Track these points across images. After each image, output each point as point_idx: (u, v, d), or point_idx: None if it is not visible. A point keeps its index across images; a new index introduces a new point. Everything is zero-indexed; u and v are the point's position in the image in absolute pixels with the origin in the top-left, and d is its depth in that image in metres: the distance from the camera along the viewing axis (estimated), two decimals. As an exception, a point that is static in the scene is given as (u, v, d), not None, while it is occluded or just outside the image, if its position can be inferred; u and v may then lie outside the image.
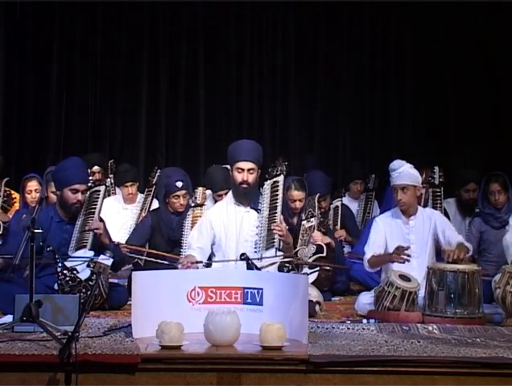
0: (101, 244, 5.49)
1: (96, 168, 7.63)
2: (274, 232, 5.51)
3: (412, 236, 5.53)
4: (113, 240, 5.81)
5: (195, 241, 5.74)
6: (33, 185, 7.14)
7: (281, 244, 5.59)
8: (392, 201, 6.28)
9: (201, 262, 5.62)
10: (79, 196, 5.43)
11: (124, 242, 6.53)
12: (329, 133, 9.52)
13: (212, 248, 5.77)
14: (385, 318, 5.00)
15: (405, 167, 5.50)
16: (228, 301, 4.58)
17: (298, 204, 6.40)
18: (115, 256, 5.37)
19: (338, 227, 7.31)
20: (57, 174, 5.63)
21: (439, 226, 5.51)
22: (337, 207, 7.42)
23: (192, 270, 5.42)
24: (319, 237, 6.14)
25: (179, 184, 6.40)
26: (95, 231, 5.44)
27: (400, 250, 5.21)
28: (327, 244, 6.16)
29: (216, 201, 6.51)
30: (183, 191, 6.42)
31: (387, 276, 5.17)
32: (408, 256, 5.21)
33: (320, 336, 4.47)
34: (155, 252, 6.27)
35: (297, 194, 6.41)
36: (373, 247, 5.51)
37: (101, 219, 5.59)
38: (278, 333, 4.11)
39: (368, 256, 5.47)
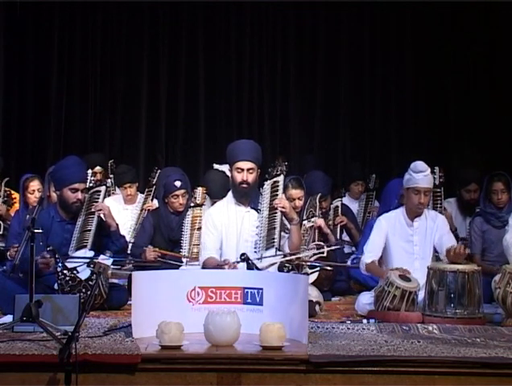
0: (108, 227, 5.48)
1: (98, 168, 7.64)
2: (277, 207, 5.49)
3: (416, 237, 5.51)
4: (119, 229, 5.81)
5: (209, 243, 5.63)
6: (35, 185, 7.14)
7: (281, 241, 5.56)
8: (390, 201, 6.28)
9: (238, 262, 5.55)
10: (79, 195, 5.43)
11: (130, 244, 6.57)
12: (329, 133, 9.53)
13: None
14: (385, 318, 5.00)
15: (429, 170, 5.49)
16: (228, 301, 4.58)
17: (297, 203, 6.41)
18: (120, 246, 5.38)
19: (340, 214, 7.28)
20: (56, 173, 5.63)
21: (439, 229, 5.50)
22: (337, 207, 7.41)
23: (193, 270, 5.42)
24: (321, 223, 6.15)
25: (178, 184, 6.40)
26: (99, 212, 5.44)
27: (400, 271, 5.21)
28: (326, 236, 6.16)
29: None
30: (182, 191, 6.42)
31: (387, 276, 5.17)
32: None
33: (320, 336, 4.47)
34: (175, 254, 6.22)
35: (295, 192, 6.41)
36: (372, 248, 5.48)
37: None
38: (278, 333, 4.11)
39: (367, 260, 5.43)
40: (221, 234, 5.65)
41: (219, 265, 5.40)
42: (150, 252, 6.16)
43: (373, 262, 5.42)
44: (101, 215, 5.47)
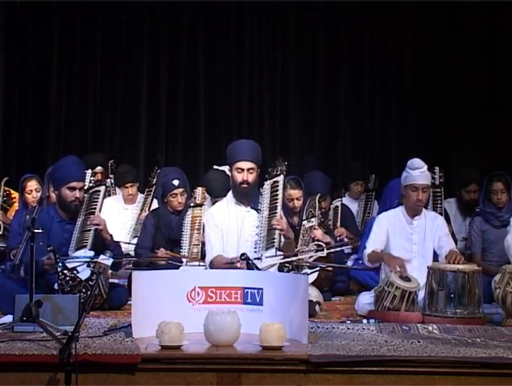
0: (102, 240, 5.49)
1: (98, 168, 7.64)
2: (274, 227, 5.51)
3: (415, 236, 5.52)
4: (114, 238, 5.82)
5: (215, 241, 5.64)
6: (33, 185, 7.15)
7: (281, 241, 5.58)
8: (390, 201, 6.28)
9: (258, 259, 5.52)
10: (77, 194, 5.44)
11: (134, 245, 6.60)
12: (329, 133, 9.52)
13: None
14: (385, 318, 5.00)
15: (426, 167, 5.50)
16: (228, 301, 4.58)
17: (296, 203, 6.41)
18: (115, 255, 5.37)
19: (338, 226, 7.31)
20: (55, 173, 5.65)
21: (438, 231, 5.51)
22: (337, 207, 7.41)
23: (192, 270, 5.42)
24: (319, 235, 6.15)
25: (176, 182, 6.41)
26: (96, 227, 5.44)
27: (399, 263, 5.20)
28: (326, 244, 6.16)
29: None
30: (181, 190, 6.42)
31: (387, 276, 5.17)
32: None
33: (320, 336, 4.47)
34: (179, 255, 6.23)
35: (294, 192, 6.42)
36: (374, 242, 5.51)
37: None
38: (278, 333, 4.11)
39: (369, 250, 5.48)
40: (222, 233, 5.66)
41: (229, 263, 5.38)
42: (163, 255, 6.19)
43: (374, 251, 5.44)
44: (98, 228, 5.46)
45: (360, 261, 6.51)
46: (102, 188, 5.63)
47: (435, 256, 5.54)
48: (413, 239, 5.52)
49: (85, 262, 5.25)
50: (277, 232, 5.53)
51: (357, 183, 8.25)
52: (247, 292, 4.58)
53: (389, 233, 5.53)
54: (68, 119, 9.36)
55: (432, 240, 5.51)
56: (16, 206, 7.46)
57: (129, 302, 5.21)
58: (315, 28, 9.56)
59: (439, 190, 6.59)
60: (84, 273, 5.23)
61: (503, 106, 9.00)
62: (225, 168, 6.54)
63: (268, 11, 9.53)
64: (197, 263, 6.02)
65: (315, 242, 6.15)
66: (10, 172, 8.35)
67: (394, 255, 5.36)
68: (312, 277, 5.80)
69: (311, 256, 5.98)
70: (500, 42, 9.13)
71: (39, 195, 7.01)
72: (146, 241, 6.45)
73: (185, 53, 9.49)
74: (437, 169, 6.58)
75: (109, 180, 7.61)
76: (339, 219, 7.38)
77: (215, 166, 7.24)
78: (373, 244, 5.51)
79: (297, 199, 6.43)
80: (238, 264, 5.29)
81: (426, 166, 5.51)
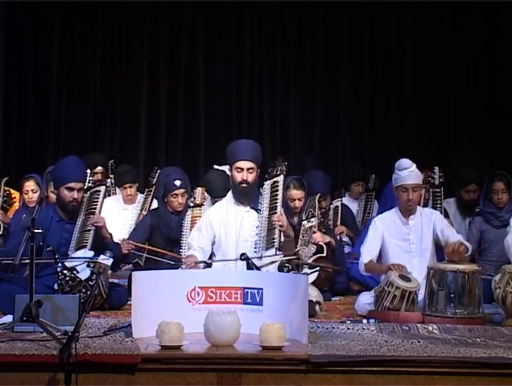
0: (102, 238, 5.49)
1: (98, 168, 7.64)
2: (274, 223, 5.51)
3: (412, 235, 5.52)
4: (113, 238, 5.82)
5: (195, 241, 5.75)
6: (30, 185, 7.15)
7: (281, 238, 5.58)
8: (391, 201, 6.28)
9: (204, 262, 5.61)
10: (75, 194, 5.44)
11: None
12: (329, 133, 9.53)
13: (212, 248, 5.78)
14: (385, 318, 5.00)
15: (415, 166, 5.49)
16: (228, 301, 4.58)
17: (297, 203, 6.41)
18: (115, 255, 5.38)
19: (338, 225, 7.31)
20: (55, 173, 5.68)
21: (437, 225, 5.51)
22: (337, 207, 7.42)
23: (193, 270, 5.43)
24: (319, 237, 6.15)
25: (178, 183, 6.40)
26: (95, 224, 5.44)
27: (398, 267, 5.20)
28: (327, 244, 6.16)
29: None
30: (182, 190, 6.42)
31: (387, 276, 5.17)
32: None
33: (320, 336, 4.47)
34: (157, 249, 6.25)
35: (296, 193, 6.41)
36: (369, 249, 5.49)
37: None
38: (278, 333, 4.11)
39: (365, 260, 5.45)
40: (216, 235, 5.68)
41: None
42: (124, 245, 6.14)
43: (371, 261, 5.44)
44: (98, 226, 5.46)
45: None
46: (102, 188, 5.63)
47: (438, 255, 5.53)
48: (411, 239, 5.52)
49: (85, 262, 5.26)
50: (277, 231, 5.54)
51: (357, 184, 8.25)
52: (247, 292, 4.58)
53: (385, 236, 5.52)
54: (68, 119, 9.36)
55: (431, 238, 5.50)
56: (16, 206, 7.46)
57: (129, 302, 5.21)
58: (315, 28, 9.57)
59: (438, 190, 6.59)
60: (83, 273, 5.23)
61: (503, 106, 9.01)
62: (225, 168, 6.54)
63: (268, 11, 9.54)
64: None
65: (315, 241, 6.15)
66: (10, 172, 8.35)
67: (392, 261, 5.35)
68: (312, 277, 5.80)
69: (311, 256, 5.98)
70: (500, 42, 9.14)
71: (35, 195, 7.01)
72: (137, 237, 6.40)
73: (185, 53, 9.49)
74: (437, 169, 6.58)
75: (109, 180, 7.61)
76: (339, 219, 7.40)
77: (215, 166, 7.24)
78: (368, 252, 5.48)
79: (299, 199, 6.43)
80: (183, 266, 5.50)
81: (414, 165, 5.48)
